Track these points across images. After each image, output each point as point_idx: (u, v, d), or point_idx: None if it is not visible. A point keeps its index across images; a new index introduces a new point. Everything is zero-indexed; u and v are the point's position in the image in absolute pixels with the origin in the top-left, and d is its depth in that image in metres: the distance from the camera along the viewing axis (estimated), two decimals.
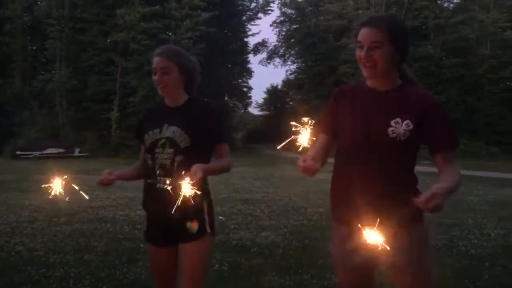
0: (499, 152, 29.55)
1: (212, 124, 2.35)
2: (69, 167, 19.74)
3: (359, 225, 1.74)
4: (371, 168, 1.92)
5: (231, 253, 4.96)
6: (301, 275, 4.26)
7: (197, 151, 2.29)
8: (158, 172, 2.33)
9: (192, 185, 2.04)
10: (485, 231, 6.47)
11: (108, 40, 30.98)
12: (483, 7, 34.94)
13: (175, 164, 2.29)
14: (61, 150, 28.02)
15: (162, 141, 2.33)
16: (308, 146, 1.82)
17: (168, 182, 2.29)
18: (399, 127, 1.88)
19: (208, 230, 2.35)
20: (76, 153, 28.42)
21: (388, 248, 1.65)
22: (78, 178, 14.37)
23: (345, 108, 2.02)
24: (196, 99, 2.45)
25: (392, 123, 1.89)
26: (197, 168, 2.09)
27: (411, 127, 1.88)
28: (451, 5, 38.29)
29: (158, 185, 2.33)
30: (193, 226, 2.31)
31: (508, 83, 35.30)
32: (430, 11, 34.90)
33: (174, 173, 2.28)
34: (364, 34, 1.90)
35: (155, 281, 2.49)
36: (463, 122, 30.53)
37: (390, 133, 1.89)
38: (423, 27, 35.64)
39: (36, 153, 27.28)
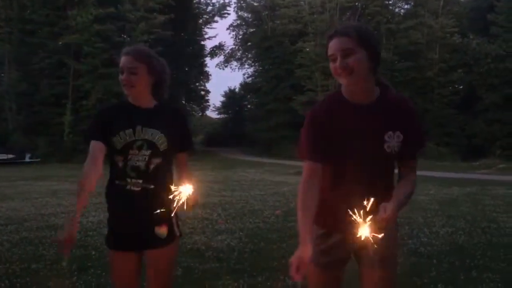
0: (448, 152, 30.66)
1: (185, 131, 2.40)
2: (20, 174, 19.03)
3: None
4: (371, 184, 1.91)
5: (185, 258, 4.91)
6: (256, 278, 4.27)
7: (170, 156, 2.32)
8: (129, 173, 2.27)
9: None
10: (434, 229, 6.69)
11: (60, 43, 30.05)
12: (432, 12, 36.19)
13: (151, 166, 2.26)
14: (10, 156, 26.94)
15: (139, 143, 2.27)
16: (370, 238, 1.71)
17: (139, 183, 2.26)
18: (392, 140, 1.90)
19: (178, 233, 2.33)
20: (27, 159, 27.38)
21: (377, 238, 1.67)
22: (29, 185, 13.84)
23: (334, 129, 1.93)
24: (166, 104, 2.43)
25: (386, 137, 1.90)
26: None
27: (401, 137, 1.91)
28: (402, 10, 39.52)
29: (128, 186, 2.27)
30: (163, 231, 2.26)
31: (456, 86, 36.72)
32: (382, 16, 35.86)
33: (149, 176, 2.26)
34: (334, 45, 1.86)
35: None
36: None
37: (386, 148, 1.90)
38: (376, 31, 36.58)
39: None
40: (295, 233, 6.25)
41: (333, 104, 1.98)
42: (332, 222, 2.01)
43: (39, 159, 27.30)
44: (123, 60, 2.31)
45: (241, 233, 6.38)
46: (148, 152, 2.26)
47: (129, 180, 2.27)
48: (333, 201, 1.98)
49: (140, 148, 2.27)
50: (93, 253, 5.12)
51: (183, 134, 2.38)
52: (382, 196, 1.81)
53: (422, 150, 2.00)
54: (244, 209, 8.82)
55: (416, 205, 9.18)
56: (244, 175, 17.49)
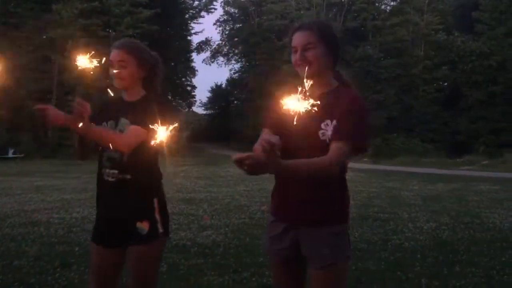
0: (433, 148, 30.98)
1: (144, 112, 2.21)
2: (3, 169, 18.77)
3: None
4: None
5: (171, 254, 4.87)
6: (241, 274, 4.25)
7: (143, 146, 2.17)
8: (105, 164, 2.28)
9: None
10: (418, 224, 6.75)
11: (44, 37, 29.64)
12: (417, 10, 36.47)
13: (125, 157, 2.24)
14: None
15: None
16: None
17: (114, 174, 2.23)
18: (329, 128, 1.91)
19: (161, 230, 2.24)
20: (10, 154, 27.00)
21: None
22: (12, 180, 13.61)
23: (283, 113, 2.00)
24: (154, 96, 2.36)
25: (322, 125, 1.92)
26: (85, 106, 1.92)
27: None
28: (388, 7, 39.77)
29: (105, 177, 2.28)
30: (144, 226, 2.19)
31: (441, 83, 37.08)
32: (368, 13, 36.06)
33: (124, 166, 2.23)
34: (297, 38, 1.98)
35: (93, 280, 2.35)
36: (400, 120, 31.79)
37: (320, 135, 1.91)
38: (362, 28, 36.78)
39: None
40: None
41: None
42: (280, 211, 2.08)
43: (22, 155, 26.91)
44: (113, 54, 2.30)
45: (226, 229, 6.36)
46: None
47: (105, 170, 2.28)
48: (278, 188, 2.09)
49: None
50: (77, 249, 5.06)
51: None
52: (321, 185, 1.91)
53: (349, 140, 1.86)
54: (230, 205, 8.80)
55: (400, 200, 9.25)
56: (231, 171, 17.45)
